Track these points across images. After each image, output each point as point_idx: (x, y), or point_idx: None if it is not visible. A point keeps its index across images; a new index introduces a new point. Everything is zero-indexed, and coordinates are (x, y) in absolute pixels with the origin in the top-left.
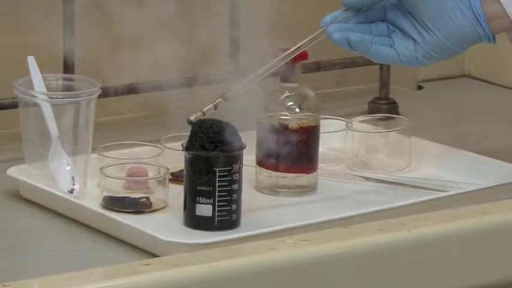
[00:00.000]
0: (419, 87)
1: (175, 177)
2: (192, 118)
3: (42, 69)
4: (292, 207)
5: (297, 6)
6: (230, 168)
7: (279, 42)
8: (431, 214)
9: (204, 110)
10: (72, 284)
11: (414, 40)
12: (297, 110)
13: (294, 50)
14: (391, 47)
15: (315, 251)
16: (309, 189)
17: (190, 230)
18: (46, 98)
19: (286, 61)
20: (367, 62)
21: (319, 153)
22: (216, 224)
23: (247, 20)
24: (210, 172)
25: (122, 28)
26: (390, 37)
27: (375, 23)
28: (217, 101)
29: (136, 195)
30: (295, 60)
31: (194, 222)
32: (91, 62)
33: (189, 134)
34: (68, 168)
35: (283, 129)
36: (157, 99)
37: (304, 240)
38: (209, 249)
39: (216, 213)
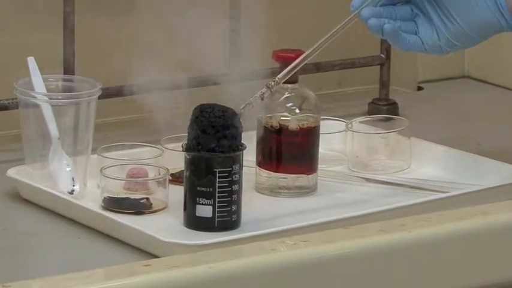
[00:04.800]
0: (420, 88)
1: (175, 178)
2: (240, 110)
3: (42, 70)
4: (292, 208)
5: (298, 6)
6: (230, 169)
7: (279, 43)
8: (432, 215)
9: (251, 100)
10: (72, 284)
11: (437, 27)
12: (297, 110)
13: (328, 38)
14: (416, 34)
15: (315, 252)
16: (309, 190)
17: (190, 230)
18: (46, 98)
19: (320, 50)
20: (367, 63)
21: (319, 154)
22: (216, 224)
23: (247, 20)
24: (210, 173)
25: (122, 28)
26: (414, 21)
27: (399, 5)
28: (262, 92)
29: (137, 196)
30: (295, 60)
31: (194, 223)
32: (91, 63)
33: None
34: (68, 169)
35: (283, 130)
36: (158, 100)
37: (304, 241)
38: (209, 250)
39: (216, 214)
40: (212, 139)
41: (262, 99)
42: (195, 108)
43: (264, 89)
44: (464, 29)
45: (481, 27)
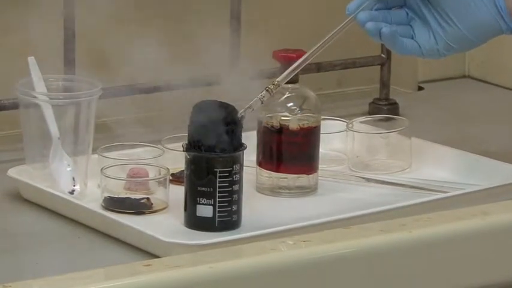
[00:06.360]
0: (420, 88)
1: (176, 178)
2: (240, 114)
3: (43, 69)
4: (293, 208)
5: (298, 6)
6: (231, 169)
7: (279, 44)
8: (432, 215)
9: (251, 103)
10: (72, 284)
11: (434, 30)
12: (298, 110)
13: (325, 41)
14: (413, 38)
15: (315, 251)
16: (309, 190)
17: (191, 230)
18: (47, 98)
19: (318, 52)
20: (368, 63)
21: (320, 154)
22: (216, 224)
23: (247, 20)
24: (210, 173)
25: (122, 28)
26: (410, 26)
27: (394, 10)
28: (262, 95)
29: (137, 196)
30: (295, 60)
31: (195, 223)
32: (92, 63)
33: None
34: (69, 169)
35: (283, 130)
36: (158, 100)
37: (304, 241)
38: (209, 250)
39: (217, 214)
40: (212, 135)
41: (262, 102)
42: (195, 105)
43: (264, 92)
44: (463, 32)
45: (480, 29)
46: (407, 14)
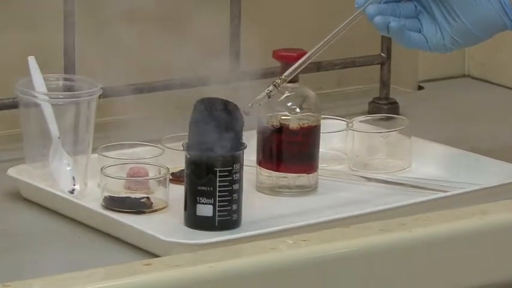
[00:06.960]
0: (420, 88)
1: (176, 177)
2: (247, 109)
3: (43, 69)
4: (293, 207)
5: (298, 7)
6: (231, 168)
7: (279, 44)
8: (432, 214)
9: (258, 98)
10: (72, 284)
11: (440, 24)
12: (298, 110)
13: (334, 34)
14: (420, 32)
15: (315, 251)
16: (309, 189)
17: (191, 230)
18: (47, 98)
19: (327, 46)
20: (368, 62)
21: (320, 153)
22: (216, 224)
23: (247, 20)
24: (210, 172)
25: (122, 28)
26: (418, 19)
27: (402, 2)
28: (269, 89)
29: (137, 195)
30: (295, 60)
31: (195, 222)
32: (92, 62)
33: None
34: (69, 168)
35: (283, 129)
36: (158, 100)
37: (304, 241)
38: (209, 249)
39: (217, 213)
40: (213, 134)
41: (269, 97)
42: (197, 102)
43: (271, 87)
44: (467, 27)
45: (484, 25)
46: (416, 7)
